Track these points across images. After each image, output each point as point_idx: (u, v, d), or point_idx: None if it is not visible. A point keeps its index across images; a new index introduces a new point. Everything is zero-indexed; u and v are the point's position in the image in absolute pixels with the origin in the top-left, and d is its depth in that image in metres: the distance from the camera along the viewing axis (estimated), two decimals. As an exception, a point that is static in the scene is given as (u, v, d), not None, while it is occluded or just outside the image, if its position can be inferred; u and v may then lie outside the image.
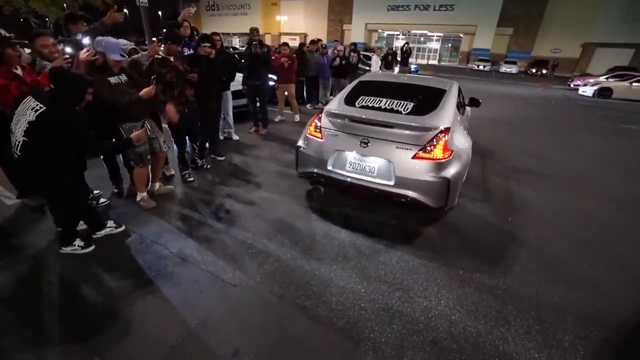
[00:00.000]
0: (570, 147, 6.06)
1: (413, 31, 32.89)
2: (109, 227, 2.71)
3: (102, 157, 3.31)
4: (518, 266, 2.54)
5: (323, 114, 3.13)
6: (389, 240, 2.79)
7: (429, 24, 31.20)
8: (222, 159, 4.45)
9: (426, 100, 3.10)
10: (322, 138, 3.01)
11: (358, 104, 3.15)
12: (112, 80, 2.67)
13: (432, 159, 2.61)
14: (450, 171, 2.63)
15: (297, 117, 6.80)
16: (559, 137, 6.87)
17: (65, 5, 18.38)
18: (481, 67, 26.87)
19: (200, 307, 2.02)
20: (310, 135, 3.11)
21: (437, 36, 32.99)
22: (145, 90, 2.78)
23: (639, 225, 3.28)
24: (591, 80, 15.85)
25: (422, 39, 33.60)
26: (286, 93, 6.56)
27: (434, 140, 2.64)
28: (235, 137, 5.40)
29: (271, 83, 6.48)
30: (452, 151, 2.66)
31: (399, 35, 33.84)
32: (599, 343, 1.88)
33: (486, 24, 28.57)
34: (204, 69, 3.69)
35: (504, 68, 26.12)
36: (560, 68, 26.53)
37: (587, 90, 14.64)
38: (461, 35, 31.61)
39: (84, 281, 2.21)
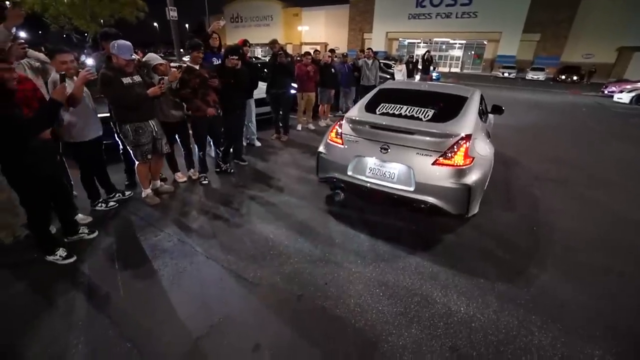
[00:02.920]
0: (600, 157, 5.78)
1: (435, 39, 32.60)
2: (81, 233, 2.73)
3: (121, 150, 3.53)
4: (543, 276, 2.46)
5: (344, 121, 3.20)
6: (408, 246, 2.79)
7: (451, 31, 30.84)
8: (245, 164, 4.61)
9: (447, 107, 3.10)
10: (342, 144, 3.07)
11: (378, 111, 3.20)
12: (125, 80, 2.90)
13: (453, 165, 2.61)
14: (472, 178, 2.62)
15: (321, 124, 7.02)
16: (587, 146, 6.56)
17: (102, 21, 19.74)
18: (506, 75, 26.14)
19: (223, 304, 2.11)
20: (331, 141, 3.18)
21: (459, 44, 32.52)
22: (152, 89, 2.98)
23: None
24: (628, 87, 15.00)
25: (444, 46, 33.21)
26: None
27: (455, 146, 2.64)
28: (258, 144, 5.57)
29: (292, 92, 6.65)
30: (473, 158, 2.65)
31: (420, 43, 33.64)
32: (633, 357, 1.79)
33: (511, 30, 27.86)
34: (230, 80, 3.88)
35: (531, 75, 25.24)
36: (595, 74, 25.27)
37: (624, 97, 13.85)
38: (485, 42, 30.98)
39: (108, 280, 2.36)
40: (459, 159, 2.61)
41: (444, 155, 2.64)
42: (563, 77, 24.60)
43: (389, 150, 2.79)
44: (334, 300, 2.16)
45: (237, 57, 3.92)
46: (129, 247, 2.68)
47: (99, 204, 3.23)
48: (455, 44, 32.72)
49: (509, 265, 2.59)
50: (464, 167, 2.60)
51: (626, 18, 26.28)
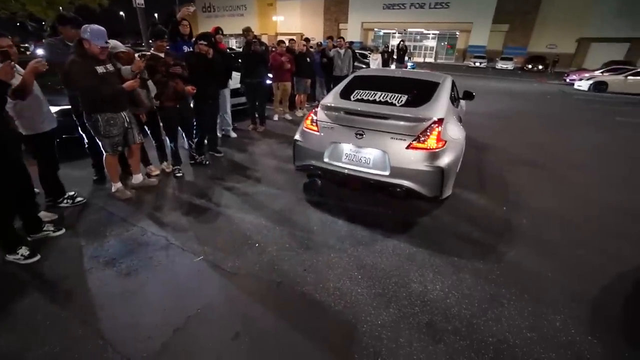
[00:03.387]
0: (565, 139, 6.13)
1: (409, 29, 33.00)
2: (46, 231, 2.58)
3: (86, 144, 3.34)
4: (513, 253, 2.59)
5: (319, 108, 3.18)
6: (386, 230, 2.84)
7: (425, 22, 31.34)
8: (221, 155, 4.50)
9: (420, 92, 3.15)
10: (318, 131, 3.06)
11: (353, 97, 3.20)
12: (99, 69, 2.71)
13: (426, 148, 2.66)
14: (444, 160, 2.69)
15: (298, 114, 6.92)
16: (553, 129, 6.94)
17: (61, 8, 18.36)
18: (477, 64, 27.01)
19: (201, 295, 2.07)
20: (307, 128, 3.16)
21: (433, 34, 33.12)
22: (128, 83, 2.83)
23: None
24: (586, 75, 15.98)
25: (418, 37, 33.71)
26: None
27: (428, 130, 2.70)
28: (233, 135, 5.45)
29: (268, 82, 6.52)
30: (445, 141, 2.72)
31: (395, 33, 33.94)
32: (589, 322, 1.93)
33: (481, 20, 28.71)
34: (202, 68, 3.74)
35: (500, 64, 26.23)
36: (558, 63, 26.63)
37: (583, 85, 14.77)
38: (457, 33, 31.75)
39: (87, 271, 2.25)
40: (431, 142, 2.67)
41: (417, 139, 2.69)
42: (530, 66, 25.80)
43: (364, 135, 2.80)
44: (313, 285, 2.17)
45: (206, 43, 3.78)
46: (99, 243, 2.55)
47: (65, 201, 3.05)
48: (429, 34, 33.29)
49: (481, 244, 2.70)
50: (436, 150, 2.66)
51: (586, 10, 27.71)
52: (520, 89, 14.30)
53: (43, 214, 2.78)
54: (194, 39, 4.03)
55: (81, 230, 2.72)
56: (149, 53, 3.34)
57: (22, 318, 1.87)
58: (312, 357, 1.69)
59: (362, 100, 3.12)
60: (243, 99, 6.09)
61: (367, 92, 3.21)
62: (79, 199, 3.12)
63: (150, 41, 3.39)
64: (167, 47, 3.53)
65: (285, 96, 6.69)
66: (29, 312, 1.91)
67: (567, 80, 17.65)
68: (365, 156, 2.84)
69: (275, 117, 6.75)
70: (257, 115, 5.89)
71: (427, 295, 2.11)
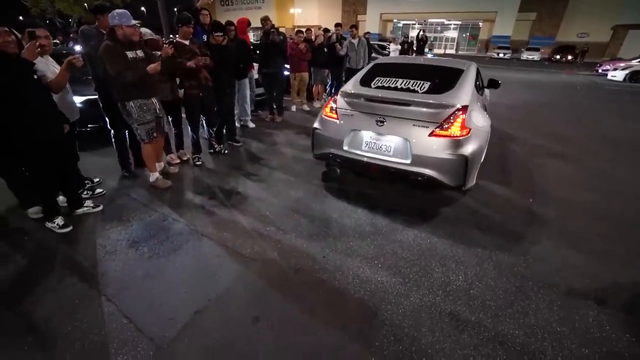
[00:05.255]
0: (596, 132, 5.78)
1: (429, 20, 32.01)
2: (87, 207, 2.82)
3: (113, 139, 3.39)
4: (539, 245, 2.48)
5: (338, 95, 3.12)
6: (405, 219, 2.78)
7: (446, 12, 30.23)
8: (240, 144, 4.53)
9: (443, 79, 3.03)
10: (337, 119, 3.01)
11: (374, 84, 3.13)
12: (130, 54, 2.77)
13: (450, 136, 2.56)
14: (468, 149, 2.58)
15: (316, 104, 6.82)
16: (582, 122, 6.56)
17: (86, 5, 18.96)
18: (501, 55, 25.95)
19: (222, 279, 2.09)
20: (326, 116, 3.12)
21: (454, 24, 32.00)
22: (151, 66, 2.86)
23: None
24: (622, 64, 14.97)
25: (439, 27, 32.68)
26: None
27: (451, 117, 2.59)
28: (252, 125, 5.47)
29: (285, 73, 6.47)
30: (470, 129, 2.61)
31: (414, 24, 33.01)
32: (625, 319, 1.82)
33: (507, 10, 27.42)
34: (216, 58, 3.74)
35: (526, 55, 25.10)
36: (589, 53, 25.17)
37: (617, 75, 13.87)
38: (480, 23, 30.52)
39: (112, 253, 2.31)
40: (455, 129, 2.57)
41: (440, 126, 2.59)
42: (558, 56, 24.51)
43: (385, 122, 2.73)
44: (332, 272, 2.15)
45: (221, 34, 3.78)
46: (123, 227, 2.62)
47: (84, 192, 3.07)
48: (450, 24, 32.20)
49: (506, 235, 2.59)
50: (460, 138, 2.56)
51: (622, -5, 25.91)
52: (547, 80, 13.63)
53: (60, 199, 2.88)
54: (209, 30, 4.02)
55: (107, 214, 2.81)
56: (174, 40, 3.36)
57: (52, 293, 1.95)
58: (332, 343, 1.67)
59: (383, 88, 3.04)
60: (261, 90, 6.11)
61: (388, 79, 3.12)
62: (98, 190, 3.16)
63: (178, 27, 3.40)
64: (191, 37, 3.54)
65: (303, 87, 6.65)
66: (59, 288, 1.98)
67: (600, 70, 16.65)
68: (386, 144, 2.77)
69: (293, 108, 6.73)
70: (274, 106, 5.88)
71: (449, 286, 2.05)
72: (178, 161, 3.93)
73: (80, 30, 3.16)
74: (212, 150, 4.21)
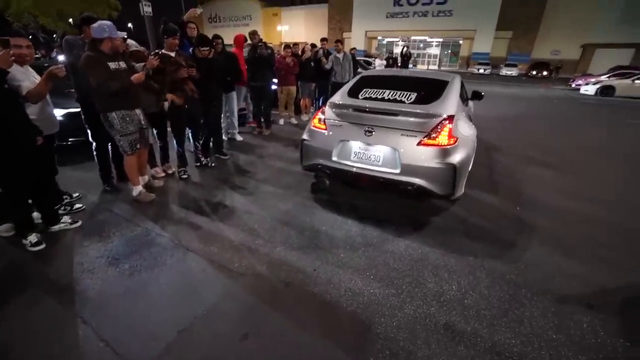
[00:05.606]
0: (575, 142, 6.00)
1: (412, 37, 33.20)
2: (64, 223, 2.67)
3: (95, 152, 3.28)
4: (529, 251, 2.49)
5: (327, 106, 3.13)
6: (396, 230, 2.75)
7: (428, 29, 31.55)
8: (227, 157, 4.46)
9: (429, 90, 3.08)
10: (326, 129, 3.00)
11: (361, 95, 3.15)
12: (112, 65, 2.71)
13: (438, 145, 2.59)
14: (456, 157, 2.60)
15: (304, 118, 6.85)
16: (563, 131, 6.82)
17: (71, 20, 18.82)
18: (482, 71, 27.02)
19: (208, 295, 1.98)
20: (315, 127, 3.11)
21: (436, 42, 33.26)
22: (135, 76, 2.81)
23: (652, 212, 3.21)
24: (593, 80, 15.84)
25: (421, 45, 33.88)
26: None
27: (439, 127, 2.62)
28: (239, 138, 5.42)
29: (273, 87, 6.49)
30: (457, 138, 2.64)
31: (398, 41, 34.16)
32: (619, 323, 1.81)
33: (485, 28, 28.84)
34: (203, 70, 3.72)
35: (505, 71, 26.21)
36: (562, 69, 26.62)
37: (590, 89, 14.62)
38: (460, 41, 31.84)
39: (89, 271, 2.18)
40: (443, 139, 2.60)
41: (428, 135, 2.61)
42: (534, 72, 25.72)
43: (373, 132, 2.74)
44: (323, 285, 2.08)
45: (207, 49, 3.78)
46: (103, 243, 2.49)
47: (62, 207, 2.92)
48: (433, 42, 33.46)
49: (497, 243, 2.60)
50: (448, 147, 2.58)
51: (590, 16, 27.75)
52: (525, 94, 14.21)
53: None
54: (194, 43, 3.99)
55: (86, 230, 2.67)
56: (160, 52, 3.32)
57: (22, 315, 1.80)
58: (325, 358, 1.59)
59: (370, 99, 3.06)
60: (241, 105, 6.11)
61: (375, 90, 3.16)
62: (77, 205, 3.00)
63: (164, 38, 3.37)
64: (177, 49, 3.52)
65: (290, 100, 6.68)
66: (30, 310, 1.84)
67: (573, 85, 17.56)
68: (374, 154, 2.77)
69: (281, 122, 6.73)
70: (262, 119, 5.86)
71: (443, 296, 2.01)
72: (163, 175, 3.83)
73: (65, 40, 3.09)
74: (198, 164, 4.12)
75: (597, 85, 14.42)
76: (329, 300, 1.96)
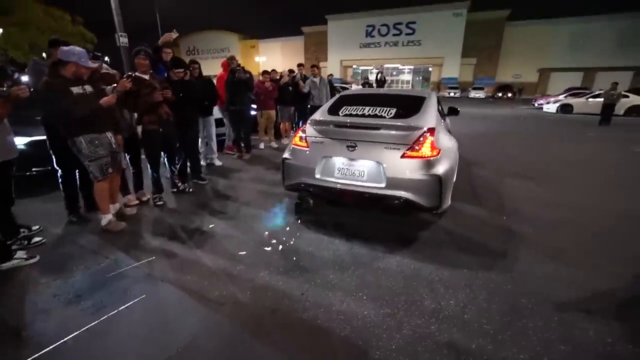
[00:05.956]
0: (546, 153, 6.27)
1: (386, 65, 34.98)
2: (18, 259, 2.37)
3: (60, 179, 3.04)
4: (522, 260, 2.43)
5: (307, 124, 3.09)
6: (385, 247, 2.63)
7: (400, 57, 33.47)
8: (205, 182, 4.27)
9: (408, 106, 3.11)
10: (308, 147, 2.94)
11: (341, 113, 3.14)
12: (75, 90, 2.56)
13: (421, 157, 2.56)
14: (441, 169, 2.58)
15: (284, 142, 6.79)
16: (533, 145, 7.13)
17: (44, 54, 18.49)
18: (452, 94, 28.57)
19: (185, 330, 1.76)
20: (296, 145, 3.04)
21: (408, 69, 35.20)
22: (105, 98, 2.68)
23: (628, 218, 3.29)
24: (552, 99, 17.12)
25: (394, 72, 35.69)
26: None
27: (421, 138, 2.62)
28: (219, 163, 5.26)
29: (253, 113, 6.46)
30: (440, 149, 2.64)
31: (372, 69, 35.85)
32: (626, 328, 1.74)
33: (451, 55, 30.95)
34: (178, 93, 3.63)
35: (473, 94, 27.88)
36: (524, 91, 28.76)
37: (551, 107, 15.74)
38: (430, 68, 33.87)
39: (44, 312, 1.90)
40: (426, 150, 2.58)
41: (411, 148, 2.59)
42: (499, 94, 27.51)
43: (356, 147, 2.69)
44: (313, 310, 1.91)
45: (182, 70, 3.73)
46: (63, 279, 2.21)
47: (18, 242, 2.62)
48: (405, 69, 35.37)
49: (488, 254, 2.53)
50: (431, 158, 2.57)
51: (543, 44, 30.57)
52: (495, 114, 15.01)
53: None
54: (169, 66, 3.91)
55: (44, 266, 2.38)
56: (133, 75, 3.21)
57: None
58: (319, 395, 1.40)
59: (351, 115, 3.05)
60: (224, 129, 6.03)
61: (355, 107, 3.16)
62: (36, 239, 2.70)
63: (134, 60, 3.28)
64: (151, 71, 3.43)
65: (270, 124, 6.66)
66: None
67: (536, 104, 18.82)
68: (358, 169, 2.71)
69: (261, 146, 6.66)
70: (242, 144, 5.76)
71: (442, 312, 1.88)
72: (137, 202, 3.58)
73: (33, 61, 2.94)
74: (175, 189, 3.91)
75: (557, 104, 15.56)
76: (320, 326, 1.78)
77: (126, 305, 1.96)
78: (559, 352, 1.59)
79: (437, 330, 1.74)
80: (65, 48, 2.55)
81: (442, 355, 1.58)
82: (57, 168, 3.00)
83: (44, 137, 2.97)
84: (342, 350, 1.62)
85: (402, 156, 2.58)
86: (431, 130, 2.69)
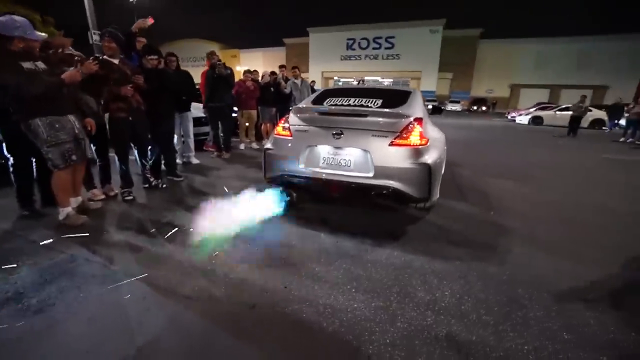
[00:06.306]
0: (524, 159, 6.43)
1: (366, 77, 35.74)
2: None
3: (11, 169, 2.70)
4: (514, 252, 2.35)
5: (291, 113, 2.93)
6: (373, 241, 2.48)
7: (379, 70, 34.32)
8: (181, 179, 3.99)
9: (394, 98, 3.03)
10: (291, 136, 2.77)
11: (326, 103, 3.02)
12: (26, 65, 2.26)
13: (410, 145, 2.46)
14: (430, 158, 2.49)
15: (265, 143, 6.57)
16: (511, 151, 7.34)
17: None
18: (430, 107, 29.43)
19: (148, 327, 1.51)
20: (279, 135, 2.87)
21: (387, 82, 36.06)
22: (69, 72, 2.39)
23: (602, 211, 3.34)
24: (524, 112, 18.06)
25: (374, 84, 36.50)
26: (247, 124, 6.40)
27: (410, 126, 2.52)
28: (196, 161, 4.97)
29: (234, 115, 6.23)
30: (428, 139, 2.55)
31: (353, 81, 36.50)
32: (625, 315, 1.66)
33: (429, 69, 32.09)
34: (154, 83, 3.39)
35: (450, 107, 28.88)
36: (497, 105, 30.25)
37: (523, 119, 16.57)
38: (409, 81, 34.91)
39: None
40: (415, 139, 2.48)
41: (399, 135, 2.49)
42: (475, 107, 28.69)
43: (342, 135, 2.56)
44: (297, 303, 1.71)
45: (156, 57, 3.50)
46: (4, 274, 1.89)
47: None
48: (384, 81, 36.21)
49: (479, 246, 2.44)
50: (420, 147, 2.47)
51: (512, 62, 32.43)
52: (472, 124, 15.52)
53: None
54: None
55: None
56: (101, 57, 2.94)
57: None
58: (305, 396, 1.20)
59: (336, 105, 2.93)
60: (207, 128, 5.78)
61: (339, 99, 3.05)
62: None
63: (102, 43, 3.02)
64: (122, 56, 3.17)
65: (252, 124, 6.46)
66: None
67: (509, 117, 19.74)
68: (345, 158, 2.56)
69: (242, 146, 6.43)
70: (222, 143, 5.51)
71: (437, 304, 1.74)
72: (103, 197, 3.25)
73: None
74: (147, 185, 3.60)
75: (529, 116, 16.40)
76: (305, 320, 1.59)
77: (78, 302, 1.68)
78: (564, 341, 1.47)
79: (434, 322, 1.59)
80: (3, 19, 2.21)
81: (441, 348, 1.42)
82: (8, 155, 2.66)
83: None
84: (332, 346, 1.43)
85: (391, 144, 2.47)
86: (419, 120, 2.60)
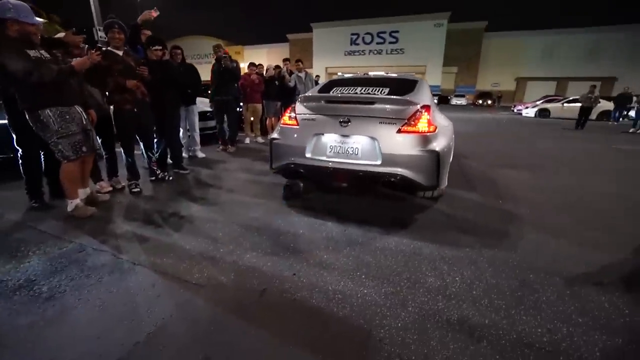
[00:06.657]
0: (531, 150, 6.34)
1: (370, 72, 35.46)
2: None
3: (20, 161, 2.72)
4: (525, 238, 2.32)
5: (297, 102, 2.91)
6: (381, 228, 2.47)
7: (384, 65, 33.97)
8: (187, 172, 4.00)
9: (401, 86, 2.99)
10: (297, 125, 2.75)
11: (333, 92, 2.99)
12: (32, 53, 2.24)
13: (418, 132, 2.42)
14: (438, 145, 2.45)
15: (268, 139, 6.56)
16: (518, 142, 7.23)
17: None
18: (435, 101, 29.18)
19: (157, 314, 1.51)
20: (285, 124, 2.85)
21: (392, 76, 35.82)
22: (79, 60, 2.38)
23: (607, 197, 3.27)
24: (530, 105, 17.79)
25: (378, 79, 36.22)
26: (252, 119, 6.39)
27: (417, 114, 2.48)
28: (202, 155, 4.98)
29: (238, 109, 6.22)
30: (436, 126, 2.51)
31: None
32: (636, 300, 1.63)
33: (433, 64, 31.73)
34: (158, 75, 3.38)
35: (455, 101, 28.60)
36: (503, 99, 29.85)
37: (530, 112, 16.32)
38: (414, 75, 34.61)
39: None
40: (423, 126, 2.45)
41: (407, 123, 2.45)
42: (480, 101, 28.32)
43: (349, 123, 2.53)
44: (306, 290, 1.70)
45: (160, 48, 3.48)
46: (15, 263, 1.91)
47: None
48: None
49: (489, 233, 2.40)
50: (428, 134, 2.43)
51: (518, 55, 31.91)
52: (478, 118, 15.34)
53: None
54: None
55: (-7, 253, 2.06)
56: (105, 49, 2.94)
57: None
58: (317, 378, 1.19)
59: (342, 94, 2.90)
60: (212, 123, 5.78)
61: (346, 88, 3.02)
62: None
63: (106, 35, 3.01)
64: (126, 48, 3.17)
65: (257, 118, 6.45)
66: None
67: (515, 110, 19.48)
68: (352, 146, 2.54)
69: (247, 140, 6.43)
70: (227, 137, 5.51)
71: (448, 289, 1.71)
72: (110, 189, 3.27)
73: None
74: (153, 177, 3.62)
75: (536, 109, 16.16)
76: (315, 306, 1.58)
77: (89, 289, 1.69)
78: (578, 324, 1.45)
79: (445, 307, 1.57)
80: (5, 3, 2.16)
81: (454, 331, 1.40)
82: (17, 147, 2.68)
83: (4, 122, 2.64)
84: (343, 331, 1.42)
85: (398, 131, 2.44)
86: (427, 107, 2.57)
